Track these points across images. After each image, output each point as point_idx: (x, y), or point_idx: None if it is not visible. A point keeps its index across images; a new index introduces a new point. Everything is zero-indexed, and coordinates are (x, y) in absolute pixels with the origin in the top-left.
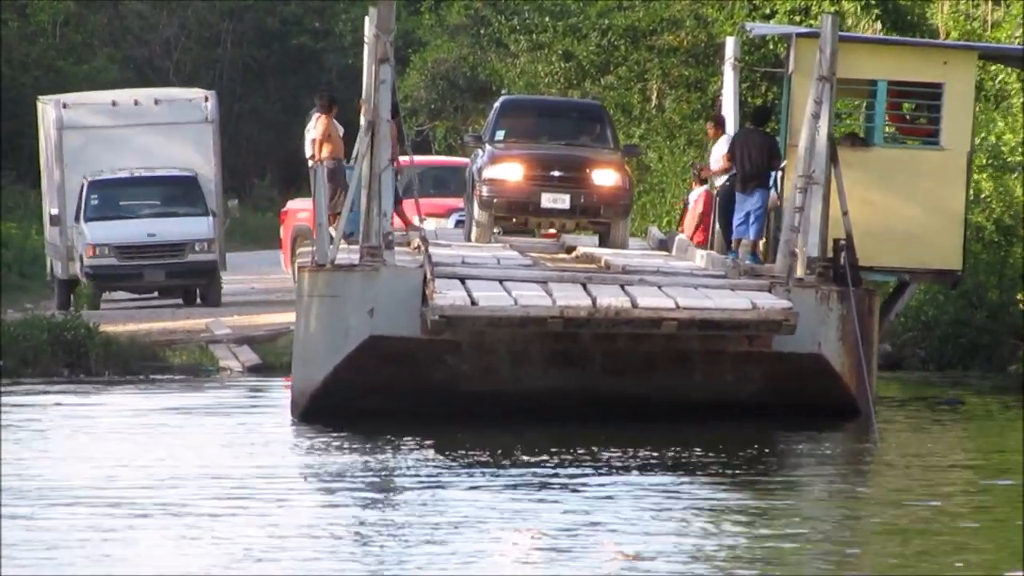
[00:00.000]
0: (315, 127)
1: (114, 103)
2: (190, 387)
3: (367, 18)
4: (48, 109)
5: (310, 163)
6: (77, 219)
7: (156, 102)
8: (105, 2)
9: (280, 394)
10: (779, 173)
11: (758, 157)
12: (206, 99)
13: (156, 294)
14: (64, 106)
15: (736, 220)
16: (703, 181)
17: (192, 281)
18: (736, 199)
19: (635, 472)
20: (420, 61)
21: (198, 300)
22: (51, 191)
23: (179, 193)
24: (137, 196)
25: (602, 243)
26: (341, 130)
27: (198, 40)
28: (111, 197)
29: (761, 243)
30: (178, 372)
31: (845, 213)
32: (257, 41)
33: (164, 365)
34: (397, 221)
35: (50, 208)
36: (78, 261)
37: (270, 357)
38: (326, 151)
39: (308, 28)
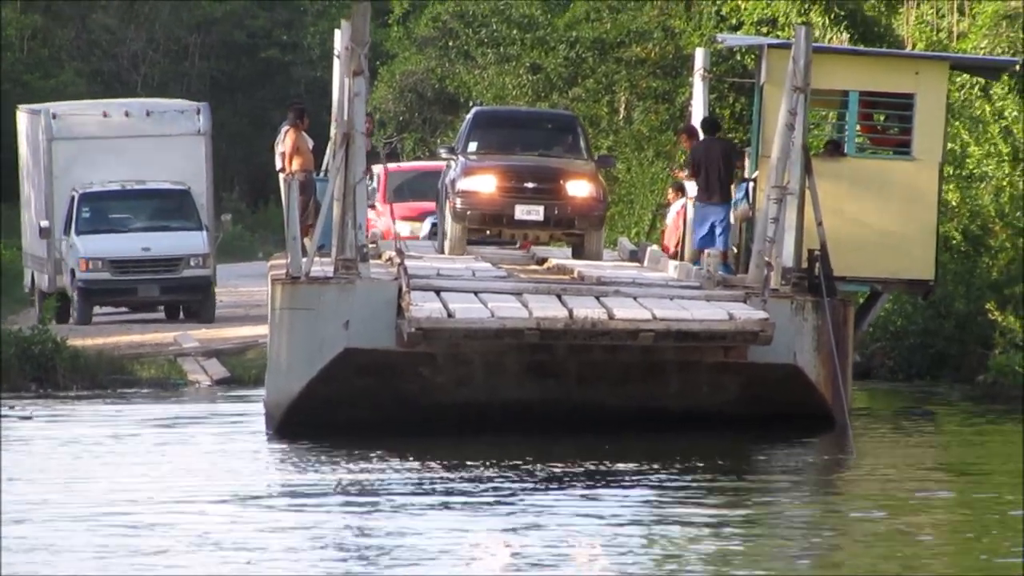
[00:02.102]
0: (284, 140)
1: (105, 114)
2: (159, 401)
3: (337, 31)
4: (34, 119)
5: (280, 176)
6: (67, 232)
7: (148, 113)
8: (72, 16)
9: (252, 406)
10: (751, 184)
11: (720, 167)
12: (198, 111)
13: (125, 309)
14: (54, 116)
15: (700, 231)
16: (682, 192)
17: (187, 297)
18: (697, 210)
19: (611, 483)
20: (388, 73)
21: (181, 315)
22: (38, 202)
23: (172, 207)
24: (130, 209)
25: (575, 254)
26: (310, 143)
27: (166, 53)
28: (103, 210)
29: (730, 253)
30: (146, 386)
31: (820, 223)
32: (225, 54)
33: (132, 379)
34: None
35: (39, 220)
36: (68, 274)
37: (238, 370)
38: (296, 164)
39: (276, 41)
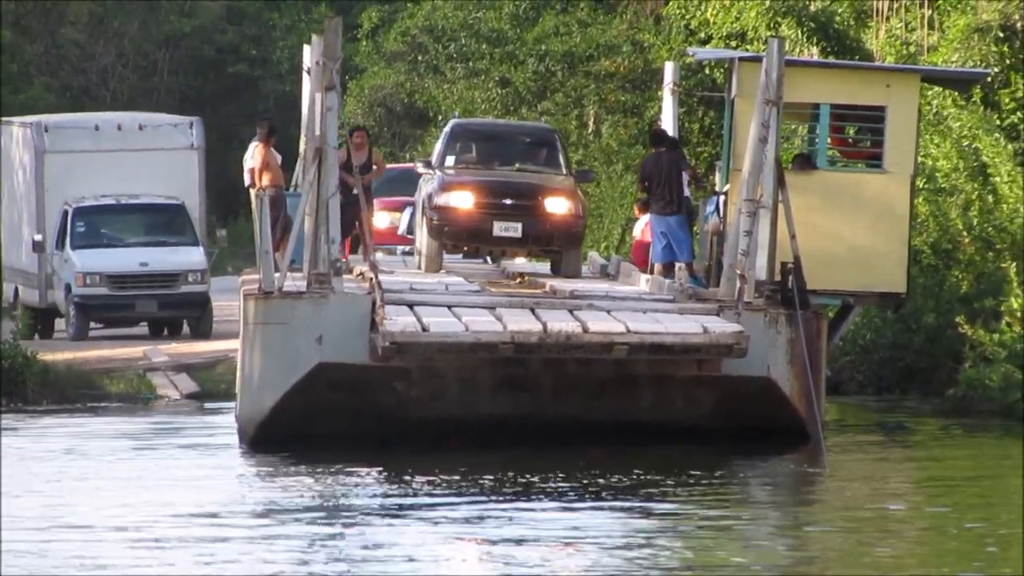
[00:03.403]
0: (253, 156)
1: (97, 127)
2: (130, 415)
3: (306, 46)
4: (22, 132)
5: (251, 192)
6: (59, 246)
7: (140, 127)
8: (41, 31)
9: (223, 420)
10: (722, 197)
11: (671, 178)
12: (191, 125)
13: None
14: (46, 129)
15: (658, 243)
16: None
17: (185, 312)
18: (654, 222)
19: (585, 496)
20: (357, 88)
21: (165, 332)
22: (29, 216)
23: (168, 221)
24: (125, 224)
25: (554, 271)
26: (279, 158)
27: (135, 69)
28: (98, 224)
29: (698, 265)
30: (116, 400)
31: (793, 236)
32: (194, 69)
33: (102, 393)
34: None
35: (32, 234)
36: (62, 289)
37: (208, 384)
38: (266, 179)
39: (245, 56)
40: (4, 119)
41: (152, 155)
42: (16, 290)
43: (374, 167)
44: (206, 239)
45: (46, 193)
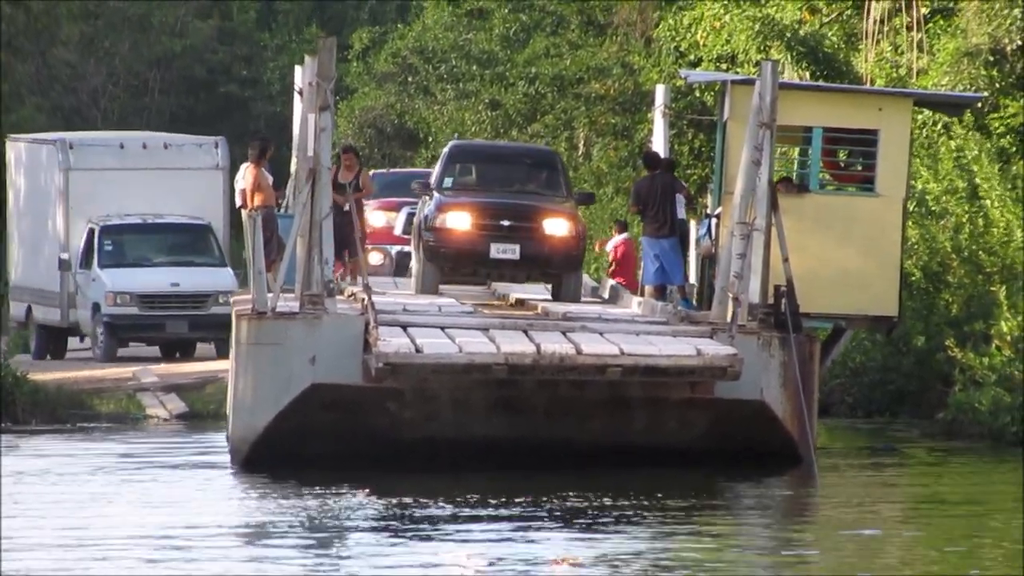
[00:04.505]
0: (244, 176)
1: (122, 145)
2: (119, 435)
3: (298, 67)
4: (46, 149)
5: (243, 212)
6: (85, 264)
7: (165, 146)
8: (32, 51)
9: (214, 439)
10: (714, 220)
11: (665, 201)
12: (216, 145)
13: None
14: (71, 146)
15: (651, 265)
16: (623, 229)
17: (213, 334)
18: (647, 245)
19: (577, 518)
20: (348, 109)
21: (177, 355)
22: (51, 234)
23: (195, 242)
24: (152, 243)
25: (555, 294)
26: (271, 178)
27: (126, 88)
28: (126, 243)
29: (689, 288)
30: (105, 420)
31: (786, 259)
32: (185, 89)
33: (91, 413)
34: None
35: (56, 252)
36: (88, 309)
37: (197, 404)
38: (258, 200)
39: (236, 77)
40: (11, 136)
41: (177, 174)
42: (29, 308)
43: (362, 188)
44: (231, 259)
45: (71, 211)
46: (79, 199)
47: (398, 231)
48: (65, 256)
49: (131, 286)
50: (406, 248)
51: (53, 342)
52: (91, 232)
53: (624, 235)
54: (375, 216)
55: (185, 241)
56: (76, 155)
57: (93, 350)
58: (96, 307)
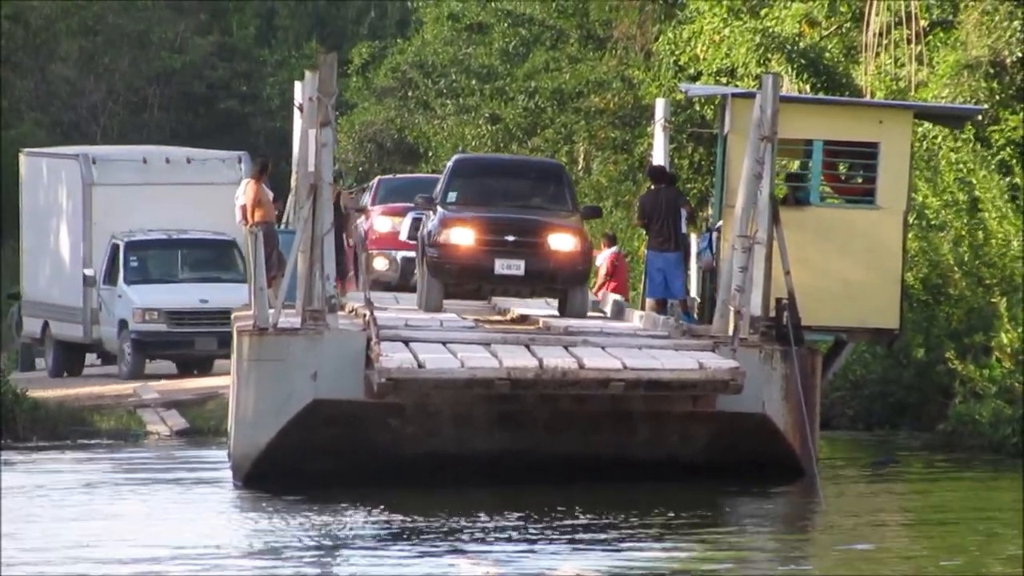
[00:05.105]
0: (244, 193)
1: (144, 160)
2: (121, 451)
3: (298, 82)
4: (66, 164)
5: (243, 229)
6: (109, 280)
7: (188, 161)
8: (32, 67)
9: (214, 455)
10: (715, 234)
11: (669, 215)
12: (239, 160)
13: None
14: (94, 161)
15: (655, 279)
16: (612, 243)
17: None
18: (651, 258)
19: (580, 532)
20: (348, 124)
21: (195, 372)
22: (72, 249)
23: (219, 257)
24: (177, 259)
25: (561, 310)
26: (271, 194)
27: (125, 104)
28: (151, 259)
29: (690, 302)
30: (106, 437)
31: (787, 272)
32: (184, 105)
33: (92, 430)
34: None
35: (79, 267)
36: (113, 325)
37: (198, 421)
38: (258, 215)
39: (235, 92)
40: (27, 151)
41: (200, 189)
42: (45, 324)
43: (344, 213)
44: None
45: (94, 226)
46: (101, 214)
47: (403, 236)
48: (89, 272)
49: (159, 303)
50: (411, 254)
51: (71, 359)
52: (115, 248)
53: (614, 248)
54: (380, 221)
55: (210, 257)
56: (99, 170)
57: (120, 367)
58: (123, 324)
